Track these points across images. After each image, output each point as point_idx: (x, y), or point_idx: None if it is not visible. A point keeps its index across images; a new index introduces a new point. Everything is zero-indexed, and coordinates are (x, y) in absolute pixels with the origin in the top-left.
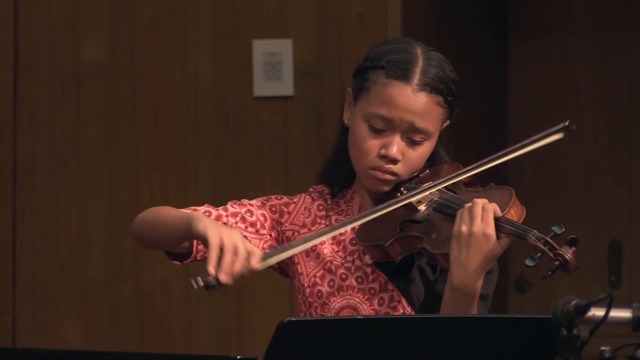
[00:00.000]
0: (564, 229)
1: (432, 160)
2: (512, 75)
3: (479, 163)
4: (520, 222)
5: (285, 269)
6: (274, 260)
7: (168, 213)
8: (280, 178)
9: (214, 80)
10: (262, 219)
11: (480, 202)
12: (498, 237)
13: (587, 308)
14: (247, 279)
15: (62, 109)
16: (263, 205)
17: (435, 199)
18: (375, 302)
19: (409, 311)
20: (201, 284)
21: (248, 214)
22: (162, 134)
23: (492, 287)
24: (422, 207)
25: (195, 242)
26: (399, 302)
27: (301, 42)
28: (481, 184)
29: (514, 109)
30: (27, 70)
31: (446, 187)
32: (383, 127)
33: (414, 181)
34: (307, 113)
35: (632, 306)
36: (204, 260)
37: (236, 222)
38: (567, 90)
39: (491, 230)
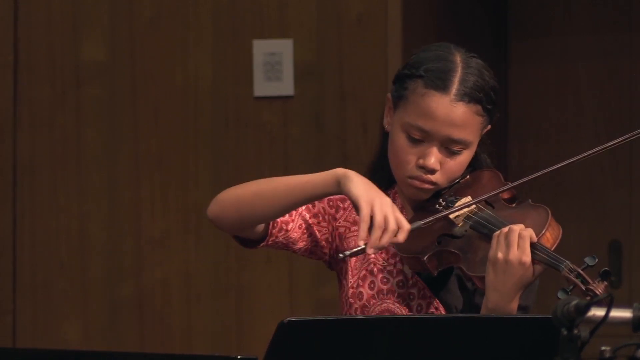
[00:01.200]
0: (597, 260)
1: (474, 165)
2: (512, 75)
3: (520, 181)
4: (556, 244)
5: (333, 263)
6: (419, 227)
7: (290, 178)
8: None
9: (214, 80)
10: (322, 211)
11: (517, 228)
12: (533, 263)
13: (587, 308)
14: (247, 279)
15: (62, 109)
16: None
17: (473, 214)
18: (414, 307)
19: None
20: (348, 254)
21: (311, 204)
22: (162, 134)
23: (532, 297)
24: (460, 222)
25: (270, 226)
26: (436, 309)
27: (301, 42)
28: (519, 196)
29: (514, 108)
30: (27, 70)
31: (486, 202)
32: (421, 137)
33: (453, 188)
34: (307, 113)
35: (632, 306)
36: (275, 244)
37: (305, 207)
38: (567, 90)
39: (527, 257)
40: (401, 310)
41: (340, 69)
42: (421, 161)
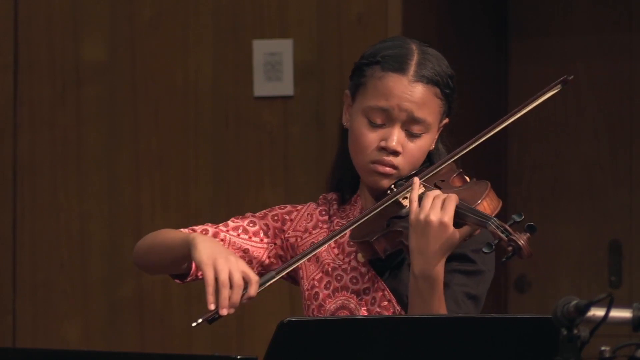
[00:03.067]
0: (523, 217)
1: (432, 159)
2: (512, 74)
3: (466, 144)
4: (493, 215)
5: (294, 276)
6: (272, 281)
7: (167, 236)
8: (280, 178)
9: (214, 80)
10: (264, 228)
11: (443, 194)
12: (458, 226)
13: (587, 308)
14: None
15: (62, 109)
16: (265, 215)
17: (420, 194)
18: (368, 301)
19: (399, 310)
20: (200, 321)
21: (250, 225)
22: (163, 133)
23: (483, 287)
24: (407, 202)
25: (194, 270)
26: (389, 301)
27: (301, 42)
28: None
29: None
30: (28, 70)
31: (435, 184)
32: (382, 121)
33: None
34: (308, 113)
35: (632, 306)
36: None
37: (238, 235)
38: (567, 90)
39: (448, 218)
40: (356, 305)
41: (340, 68)
42: (383, 143)
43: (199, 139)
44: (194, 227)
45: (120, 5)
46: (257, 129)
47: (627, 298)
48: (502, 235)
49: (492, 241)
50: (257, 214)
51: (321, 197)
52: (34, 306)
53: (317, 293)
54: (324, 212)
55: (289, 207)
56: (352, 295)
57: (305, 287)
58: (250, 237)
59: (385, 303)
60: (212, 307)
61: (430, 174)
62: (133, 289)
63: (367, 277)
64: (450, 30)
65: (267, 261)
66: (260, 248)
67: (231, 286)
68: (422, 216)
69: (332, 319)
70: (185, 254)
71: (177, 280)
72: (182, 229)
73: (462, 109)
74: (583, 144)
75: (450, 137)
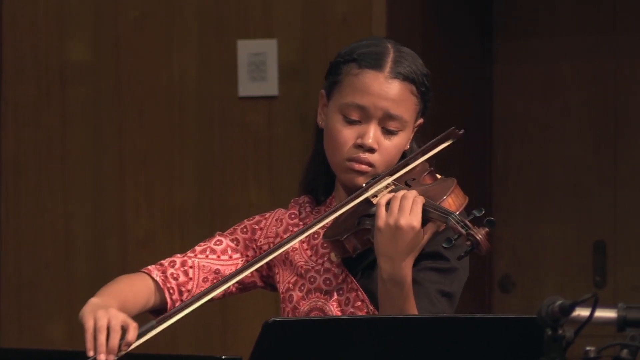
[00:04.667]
0: (483, 212)
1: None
2: (497, 74)
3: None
4: (458, 211)
5: (272, 283)
6: (153, 331)
7: (102, 288)
8: (265, 178)
9: (199, 80)
10: (232, 244)
11: (410, 195)
12: (423, 223)
13: (572, 308)
14: None
15: (47, 109)
16: (234, 231)
17: (389, 191)
18: (342, 302)
19: (372, 310)
20: None
21: (217, 244)
22: (147, 133)
23: (457, 285)
24: (376, 201)
25: (167, 294)
26: (362, 301)
27: (286, 42)
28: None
29: (499, 108)
30: (12, 70)
31: (405, 182)
32: (358, 117)
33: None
34: (292, 113)
35: (617, 306)
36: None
37: (206, 256)
38: (552, 90)
39: (417, 222)
40: (329, 306)
41: (325, 69)
42: (359, 140)
43: (184, 139)
44: (162, 262)
45: (105, 6)
46: (241, 129)
47: (611, 298)
48: (462, 230)
49: (452, 236)
50: (225, 232)
51: (292, 200)
52: (18, 306)
53: (291, 295)
54: (293, 216)
55: (257, 217)
56: (325, 296)
57: (281, 291)
58: (218, 257)
59: (359, 303)
60: (90, 353)
61: (401, 172)
62: None
63: (340, 277)
64: (435, 30)
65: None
66: (231, 265)
67: (109, 333)
68: (391, 221)
69: (317, 319)
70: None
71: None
72: (148, 266)
73: (447, 109)
74: (568, 143)
75: (423, 138)
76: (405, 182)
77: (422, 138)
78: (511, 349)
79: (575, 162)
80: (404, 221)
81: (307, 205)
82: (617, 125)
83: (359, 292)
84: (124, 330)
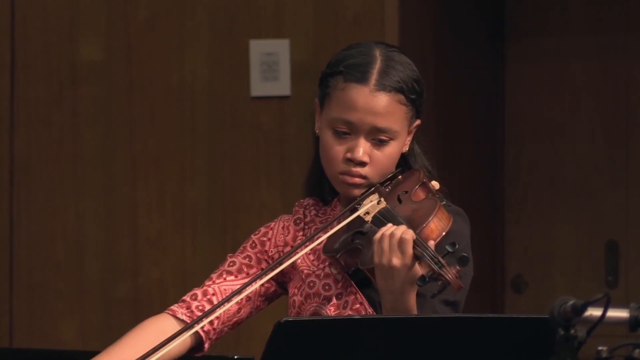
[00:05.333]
0: (457, 247)
1: (408, 163)
2: (508, 74)
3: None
4: (442, 235)
5: (285, 287)
6: None
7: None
8: (276, 178)
9: (211, 80)
10: (246, 261)
11: (398, 233)
12: (417, 261)
13: (584, 308)
14: None
15: (58, 109)
16: (244, 249)
17: (379, 209)
18: (340, 305)
19: (371, 312)
20: None
21: (231, 265)
22: (159, 133)
23: (461, 293)
24: (368, 218)
25: (200, 330)
26: (361, 303)
27: (298, 42)
28: (441, 192)
29: (511, 108)
30: (24, 70)
31: (398, 197)
32: (347, 130)
33: (384, 185)
34: (304, 113)
35: (629, 306)
36: (223, 333)
37: (224, 279)
38: (564, 90)
39: (409, 260)
40: (326, 310)
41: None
42: (349, 154)
43: (195, 139)
44: (184, 298)
45: (117, 6)
46: (253, 129)
47: (623, 298)
48: (435, 268)
49: (426, 273)
50: (236, 252)
51: (297, 203)
52: (30, 306)
53: (294, 301)
54: (299, 221)
55: (262, 230)
56: (323, 301)
57: (289, 295)
58: (236, 277)
59: (357, 306)
60: None
61: (390, 189)
62: (129, 289)
63: (340, 283)
64: (447, 31)
65: (262, 289)
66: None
67: None
68: (384, 261)
69: (329, 319)
70: None
71: (199, 353)
72: (172, 307)
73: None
74: (579, 143)
75: (425, 136)
76: (398, 197)
77: (433, 138)
78: (523, 349)
79: (587, 161)
80: (396, 260)
81: (311, 208)
82: (628, 125)
83: (358, 295)
84: None
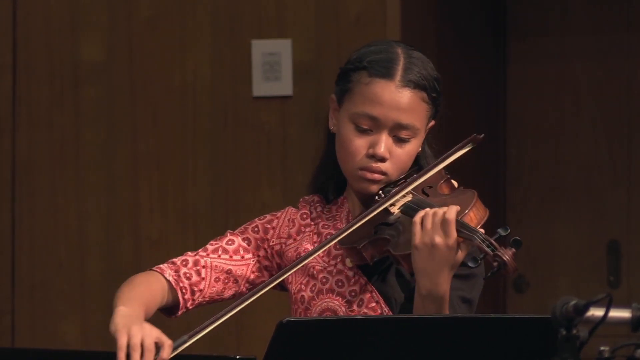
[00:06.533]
0: (509, 231)
1: (419, 163)
2: (510, 75)
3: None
4: (480, 224)
5: (281, 283)
6: (185, 345)
7: (122, 290)
8: (278, 178)
9: (213, 80)
10: (244, 244)
11: (440, 211)
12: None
13: (586, 308)
14: None
15: (60, 109)
16: (245, 230)
17: (407, 201)
18: (355, 304)
19: (387, 311)
20: None
21: (229, 244)
22: (161, 133)
23: (476, 291)
24: (394, 210)
25: (180, 293)
26: (377, 302)
27: (300, 42)
28: (461, 185)
29: (513, 108)
30: (26, 70)
31: (422, 190)
32: (369, 127)
33: (399, 183)
34: (306, 113)
35: (631, 306)
36: (200, 305)
37: (219, 256)
38: (566, 90)
39: (453, 241)
40: (342, 308)
41: (338, 69)
42: (371, 150)
43: (197, 139)
44: (174, 260)
45: (118, 6)
46: (255, 129)
47: (625, 298)
48: (488, 250)
49: (478, 255)
50: (236, 231)
51: (301, 200)
52: (32, 306)
53: (302, 296)
54: (305, 216)
55: (268, 217)
56: (337, 297)
57: (292, 291)
58: (231, 257)
59: (373, 304)
60: None
61: (420, 181)
62: None
63: (353, 280)
64: (449, 31)
65: (252, 276)
66: (242, 265)
67: (142, 351)
68: (427, 239)
69: (331, 319)
70: None
71: (172, 316)
72: (160, 265)
73: (460, 109)
74: (581, 144)
75: (436, 139)
76: (423, 191)
77: (435, 139)
78: (525, 349)
79: (589, 162)
80: (439, 239)
81: (317, 204)
82: (630, 125)
83: (374, 294)
84: (157, 347)
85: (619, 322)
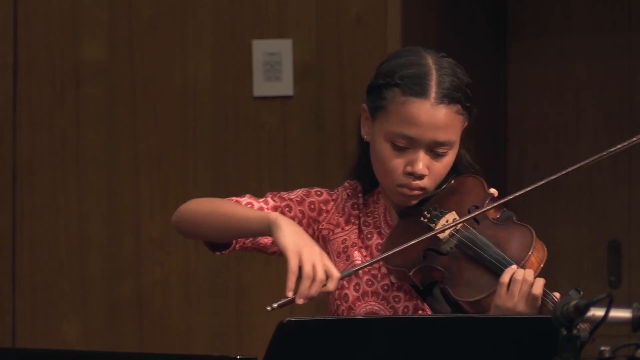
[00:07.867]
0: (581, 294)
1: (455, 165)
2: (511, 75)
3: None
4: (541, 267)
5: None
6: (350, 274)
7: (236, 209)
8: (279, 178)
9: (214, 80)
10: (300, 215)
11: (529, 279)
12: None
13: (586, 308)
14: (247, 279)
15: (61, 109)
16: (303, 201)
17: (457, 231)
18: (400, 309)
19: None
20: (275, 306)
21: (287, 209)
22: (162, 133)
23: None
24: (444, 236)
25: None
26: (423, 310)
27: (301, 42)
28: (503, 206)
29: (514, 108)
30: (27, 70)
31: (469, 211)
32: (406, 145)
33: (438, 196)
34: (307, 113)
35: (631, 306)
36: (244, 249)
37: (280, 210)
38: (567, 90)
39: (536, 310)
40: (387, 313)
41: (339, 69)
42: (409, 168)
43: (198, 139)
44: (238, 199)
45: (119, 6)
46: (256, 129)
47: (626, 298)
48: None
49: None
50: (293, 197)
51: (347, 184)
52: (33, 306)
53: (346, 295)
54: (355, 206)
55: (325, 195)
56: (382, 301)
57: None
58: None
59: (420, 312)
60: (290, 294)
61: (469, 217)
62: (132, 289)
63: (397, 285)
64: (450, 31)
65: (276, 249)
66: None
67: (313, 279)
68: (510, 305)
69: (332, 319)
70: (262, 231)
71: (217, 252)
72: (234, 200)
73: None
74: (582, 144)
75: (470, 140)
76: (469, 211)
77: (469, 140)
78: (526, 349)
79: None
80: (522, 307)
81: (360, 193)
82: (631, 125)
83: (419, 302)
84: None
85: (620, 322)
